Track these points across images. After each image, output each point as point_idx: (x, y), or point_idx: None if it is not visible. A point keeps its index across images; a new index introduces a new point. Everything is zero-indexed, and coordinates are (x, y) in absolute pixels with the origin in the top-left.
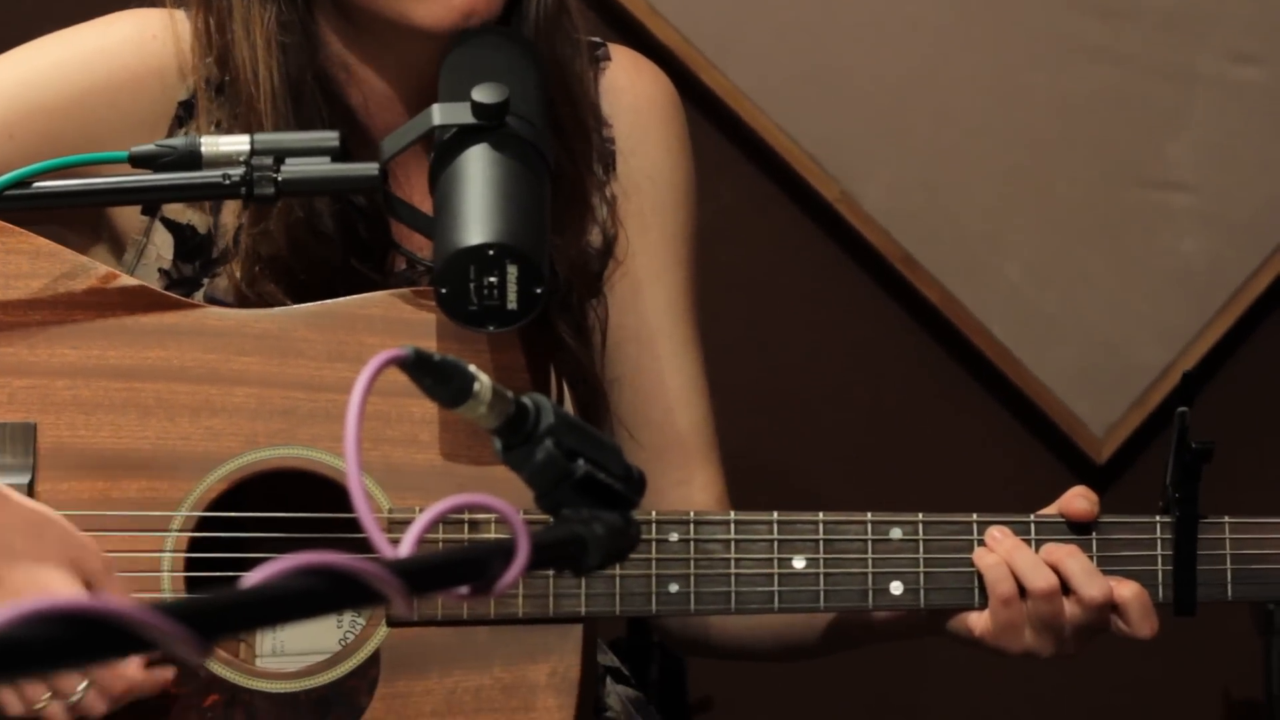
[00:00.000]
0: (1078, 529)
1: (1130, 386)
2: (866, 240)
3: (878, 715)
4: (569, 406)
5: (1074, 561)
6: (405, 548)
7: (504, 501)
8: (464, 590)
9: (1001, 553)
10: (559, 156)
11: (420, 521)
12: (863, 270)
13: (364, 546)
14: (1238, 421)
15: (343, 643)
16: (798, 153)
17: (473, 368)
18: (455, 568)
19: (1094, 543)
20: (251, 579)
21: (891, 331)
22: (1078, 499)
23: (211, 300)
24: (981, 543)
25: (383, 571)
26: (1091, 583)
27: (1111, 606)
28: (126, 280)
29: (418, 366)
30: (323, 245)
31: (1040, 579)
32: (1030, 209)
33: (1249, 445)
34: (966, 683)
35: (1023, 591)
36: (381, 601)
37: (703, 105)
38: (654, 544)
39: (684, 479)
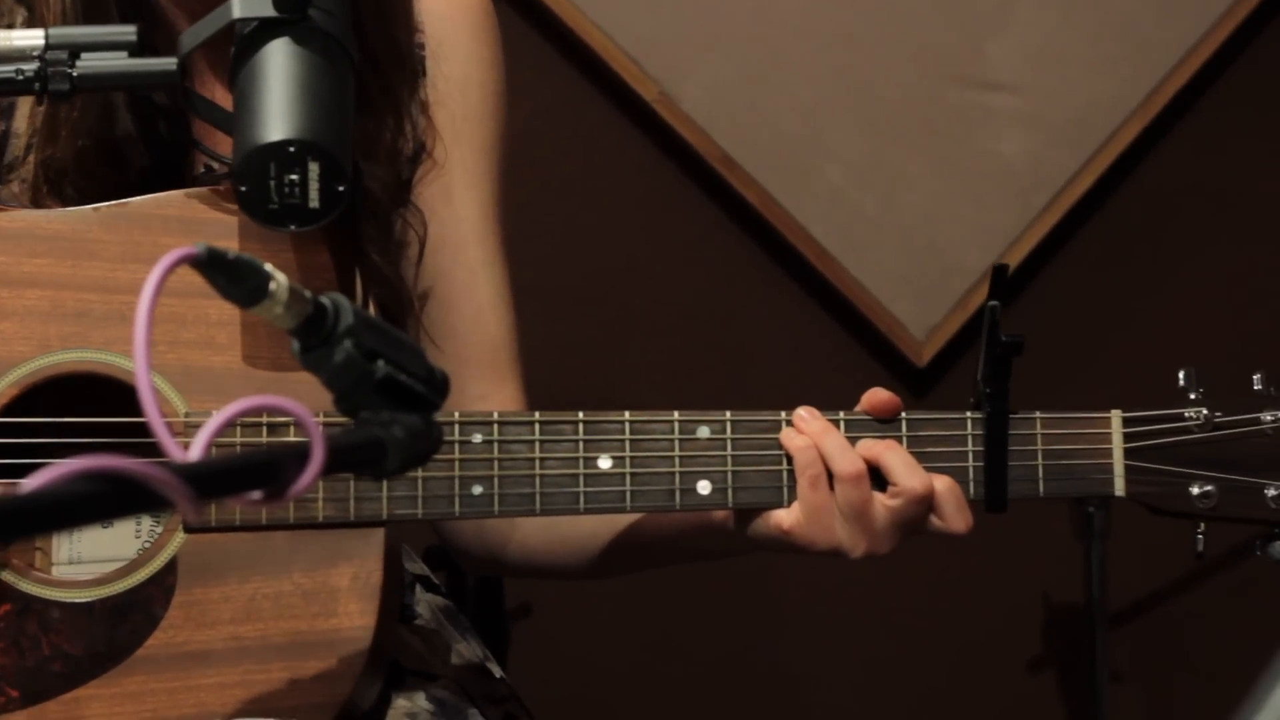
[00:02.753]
0: (887, 424)
1: (951, 289)
2: (685, 141)
3: (690, 620)
4: (373, 310)
5: (893, 455)
6: (194, 452)
7: (299, 404)
8: (256, 495)
9: (810, 434)
10: (366, 60)
11: (209, 426)
12: (681, 171)
13: (161, 451)
14: (1058, 322)
15: (140, 551)
16: (616, 53)
17: (269, 266)
18: (246, 472)
19: (904, 440)
20: (30, 484)
21: (710, 234)
22: (880, 390)
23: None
24: (790, 423)
25: (168, 476)
26: (912, 475)
27: (929, 500)
28: None
29: (211, 265)
30: (121, 144)
31: (848, 463)
32: (850, 110)
33: (1068, 345)
34: (789, 589)
35: (831, 478)
36: (167, 506)
37: (520, 4)
38: (457, 445)
39: (486, 392)
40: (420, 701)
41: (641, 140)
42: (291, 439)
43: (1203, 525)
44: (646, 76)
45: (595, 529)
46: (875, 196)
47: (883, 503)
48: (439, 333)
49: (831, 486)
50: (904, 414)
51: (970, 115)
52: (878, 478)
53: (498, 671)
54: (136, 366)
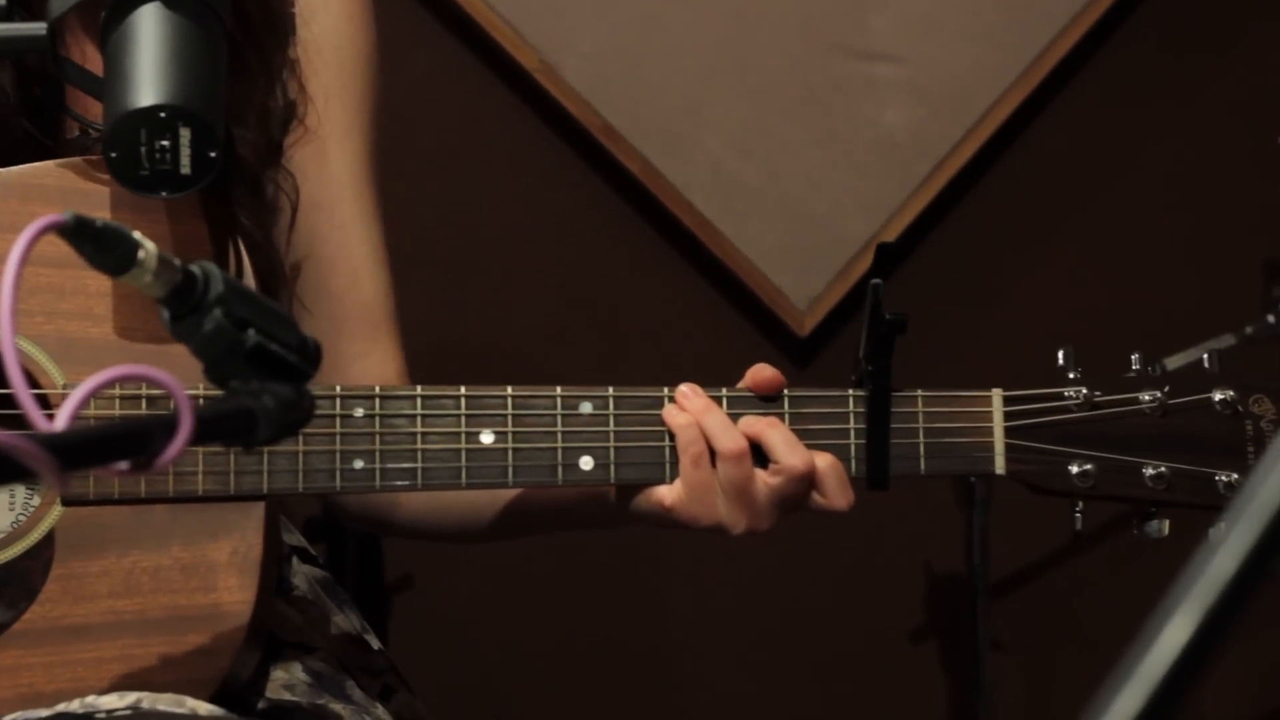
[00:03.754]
0: (769, 402)
1: (833, 259)
2: (567, 110)
3: (571, 594)
4: (250, 279)
5: (775, 432)
6: (60, 422)
7: (166, 373)
8: (123, 466)
9: (692, 412)
10: (238, 22)
11: (75, 396)
12: (563, 141)
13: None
14: (940, 294)
15: (15, 524)
16: (496, 21)
17: (137, 234)
18: (112, 442)
19: (787, 416)
20: None
21: (592, 204)
22: (764, 367)
23: None
24: (673, 400)
25: (31, 446)
26: (793, 452)
27: (810, 478)
28: None
29: (77, 233)
30: None
31: (730, 441)
32: (733, 80)
33: (950, 318)
34: (671, 563)
35: (712, 456)
36: (31, 477)
37: None
38: (338, 419)
39: (364, 351)
40: (297, 673)
41: (522, 109)
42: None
43: (1081, 503)
44: (527, 45)
45: (476, 499)
46: (757, 166)
47: (764, 480)
48: (314, 293)
49: (714, 464)
50: (787, 391)
51: (853, 85)
52: (760, 455)
53: (375, 643)
54: (2, 336)
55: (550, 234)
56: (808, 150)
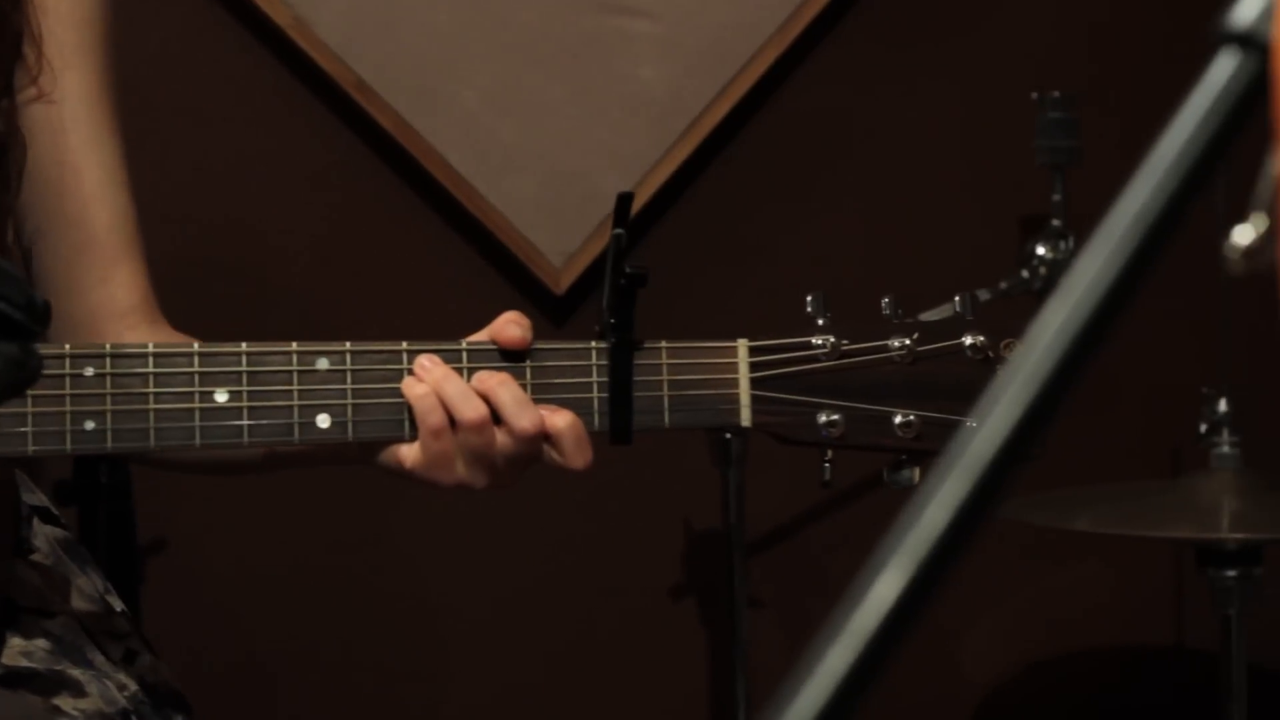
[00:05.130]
0: (511, 356)
1: (589, 215)
2: (320, 66)
3: (326, 554)
4: None
5: (505, 391)
6: None
7: None
8: None
9: (430, 382)
10: None
11: None
12: (315, 97)
13: None
14: (698, 248)
15: None
16: None
17: None
18: None
19: (528, 370)
20: None
21: (346, 159)
22: (510, 325)
23: None
24: (412, 372)
25: None
26: (522, 413)
27: (545, 436)
28: None
29: None
30: None
31: (470, 409)
32: (488, 35)
33: (708, 273)
34: (423, 522)
35: (453, 422)
36: None
37: None
38: (68, 379)
39: (105, 277)
40: (37, 640)
41: (275, 65)
42: None
43: (830, 453)
44: (280, 1)
45: None
46: (512, 122)
47: (500, 440)
48: (52, 220)
49: (455, 429)
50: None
51: (608, 41)
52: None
53: (119, 605)
54: None
55: (303, 190)
56: (563, 106)
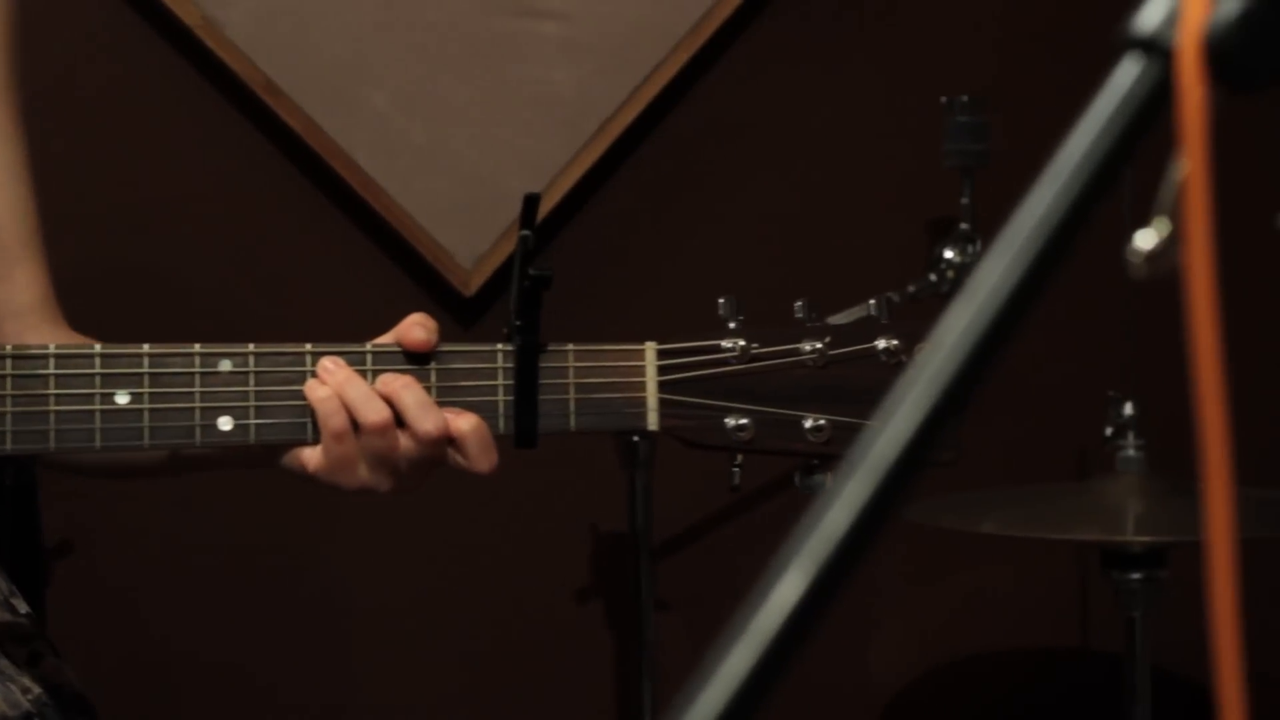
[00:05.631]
0: (416, 359)
1: (499, 217)
2: (229, 67)
3: (233, 556)
4: None
5: (409, 394)
6: None
7: None
8: None
9: (333, 385)
10: None
11: None
12: (225, 98)
13: None
14: (605, 251)
15: None
16: None
17: None
18: None
19: (433, 373)
20: None
21: (255, 161)
22: (415, 327)
23: None
24: (315, 374)
25: None
26: (426, 416)
27: (449, 440)
28: None
29: None
30: None
31: (373, 413)
32: (398, 37)
33: (614, 275)
34: (332, 530)
35: (356, 425)
36: None
37: None
38: None
39: (4, 275)
40: None
41: (183, 66)
42: None
43: (739, 458)
44: (189, 1)
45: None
46: (422, 124)
47: (404, 443)
48: None
49: (358, 433)
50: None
51: (518, 43)
52: None
53: (24, 608)
54: None
55: (212, 192)
56: (473, 108)
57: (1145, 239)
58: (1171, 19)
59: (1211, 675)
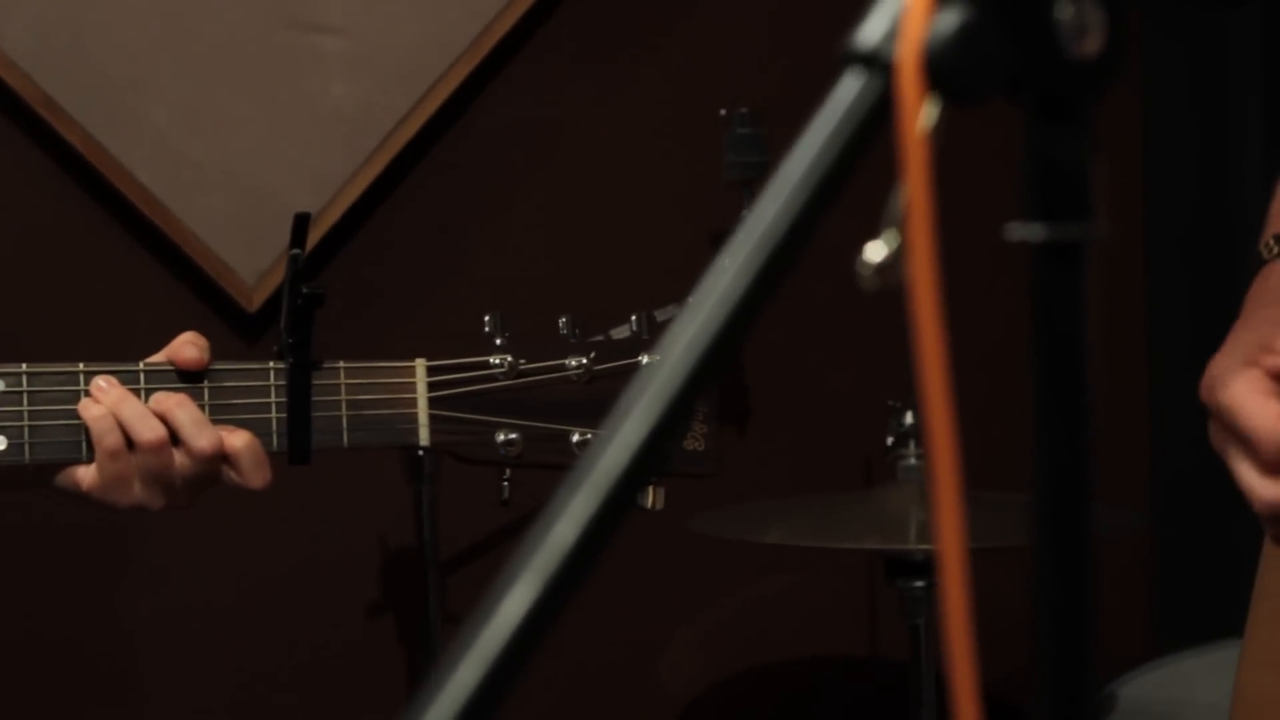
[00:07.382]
0: (189, 377)
1: (281, 233)
2: (5, 83)
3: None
4: None
5: (183, 411)
6: None
7: None
8: None
9: (108, 403)
10: None
11: None
12: (1, 114)
13: None
14: (385, 267)
15: None
16: None
17: None
18: None
19: (206, 390)
20: None
21: (33, 177)
22: (187, 346)
23: None
24: (89, 394)
25: None
26: (200, 433)
27: (223, 457)
28: None
29: None
30: None
31: (147, 430)
32: (176, 52)
33: (394, 292)
34: (123, 550)
35: (131, 443)
36: None
37: None
38: None
39: None
40: None
41: None
42: None
43: (508, 472)
44: None
45: None
46: (202, 139)
47: (179, 461)
48: None
49: (132, 449)
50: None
51: (298, 58)
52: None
53: None
54: None
55: (26, 213)
56: (254, 124)
57: (875, 251)
58: (892, 33)
59: (980, 680)
